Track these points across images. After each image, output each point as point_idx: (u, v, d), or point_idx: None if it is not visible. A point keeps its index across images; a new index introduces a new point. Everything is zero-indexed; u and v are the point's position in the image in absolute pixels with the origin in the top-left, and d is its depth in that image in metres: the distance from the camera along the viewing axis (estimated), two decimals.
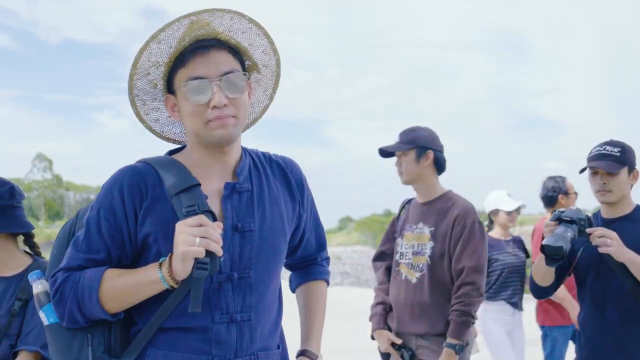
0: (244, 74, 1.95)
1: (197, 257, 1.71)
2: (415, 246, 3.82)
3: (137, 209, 1.88)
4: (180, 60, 1.92)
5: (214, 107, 1.87)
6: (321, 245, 2.34)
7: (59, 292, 1.85)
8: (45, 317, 1.90)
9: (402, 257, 3.89)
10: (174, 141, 2.19)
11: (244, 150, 2.09)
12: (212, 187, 1.95)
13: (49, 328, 1.92)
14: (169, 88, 1.99)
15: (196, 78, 1.88)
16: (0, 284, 3.27)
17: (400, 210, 4.08)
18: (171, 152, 2.08)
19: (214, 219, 1.82)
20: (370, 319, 3.98)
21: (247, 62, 2.04)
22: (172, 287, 1.79)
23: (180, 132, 2.17)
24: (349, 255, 46.72)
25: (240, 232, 1.93)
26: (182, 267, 1.73)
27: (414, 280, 3.79)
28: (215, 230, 1.74)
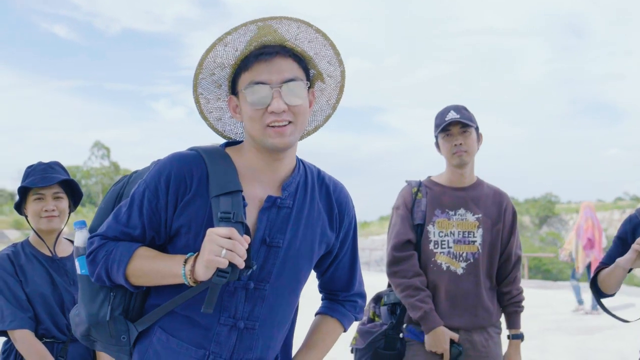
0: (306, 83, 1.98)
1: (220, 267, 1.77)
2: (457, 234, 3.50)
3: (178, 200, 1.94)
4: (244, 63, 1.96)
5: (272, 112, 1.90)
6: (350, 284, 2.30)
7: (92, 255, 1.97)
8: (79, 266, 2.06)
9: (437, 246, 3.50)
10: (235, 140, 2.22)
11: (301, 163, 2.13)
12: (256, 194, 2.00)
13: (80, 277, 2.08)
14: (233, 89, 2.03)
15: (258, 83, 1.91)
16: (65, 262, 3.47)
17: (416, 193, 3.60)
18: (227, 144, 2.13)
19: (245, 231, 1.87)
20: (423, 316, 3.42)
21: (312, 71, 2.07)
22: (190, 285, 1.87)
23: (242, 132, 2.20)
24: None
25: (268, 246, 1.98)
26: (203, 272, 1.80)
27: (459, 271, 3.48)
28: (243, 244, 1.77)
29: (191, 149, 2.04)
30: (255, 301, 1.97)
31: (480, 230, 3.53)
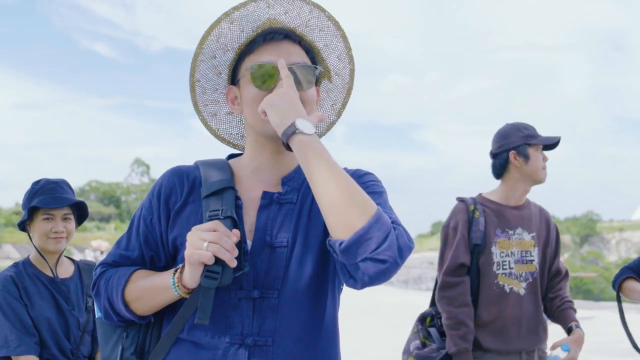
0: (315, 67, 1.81)
1: (203, 262, 1.56)
2: (517, 254, 3.44)
3: (170, 210, 1.80)
4: (249, 47, 1.81)
5: None
6: None
7: (96, 287, 1.83)
8: (97, 310, 1.91)
9: (499, 267, 3.40)
10: (228, 143, 2.07)
11: None
12: (255, 193, 1.81)
13: (98, 321, 1.91)
14: (233, 80, 1.89)
15: (264, 63, 1.76)
16: (68, 283, 3.39)
17: (473, 212, 3.48)
18: (231, 156, 1.98)
19: (235, 226, 1.67)
20: (457, 353, 3.32)
21: (318, 68, 1.86)
22: (182, 295, 1.68)
23: (237, 133, 2.05)
24: None
25: (271, 247, 1.73)
26: (189, 273, 1.61)
27: (522, 292, 3.43)
28: (230, 237, 1.58)
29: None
30: (264, 313, 1.69)
31: (536, 249, 3.51)
